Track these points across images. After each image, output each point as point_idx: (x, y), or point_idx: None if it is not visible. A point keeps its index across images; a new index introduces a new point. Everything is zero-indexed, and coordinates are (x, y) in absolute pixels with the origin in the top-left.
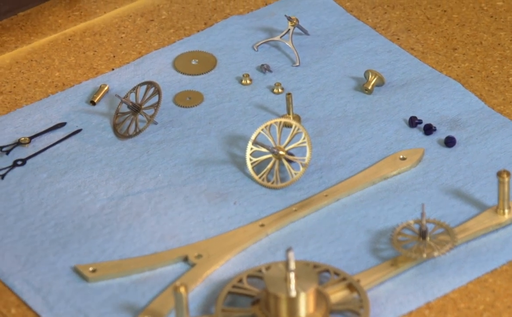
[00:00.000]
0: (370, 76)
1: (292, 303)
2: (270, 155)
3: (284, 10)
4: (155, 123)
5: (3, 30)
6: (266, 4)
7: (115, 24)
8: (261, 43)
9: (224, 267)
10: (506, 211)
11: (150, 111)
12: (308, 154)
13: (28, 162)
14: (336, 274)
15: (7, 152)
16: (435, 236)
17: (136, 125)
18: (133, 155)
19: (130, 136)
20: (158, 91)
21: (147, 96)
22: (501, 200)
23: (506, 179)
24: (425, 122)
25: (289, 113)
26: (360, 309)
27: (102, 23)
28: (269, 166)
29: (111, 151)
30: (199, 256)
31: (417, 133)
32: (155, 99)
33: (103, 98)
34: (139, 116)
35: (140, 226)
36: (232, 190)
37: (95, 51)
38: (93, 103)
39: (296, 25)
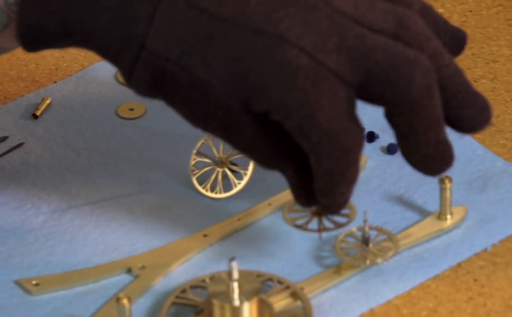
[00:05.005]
0: None
1: (236, 312)
2: (213, 165)
3: None
4: None
5: None
6: None
7: None
8: None
9: (168, 278)
10: (448, 216)
11: None
12: (251, 163)
13: None
14: (280, 282)
15: None
16: (378, 242)
17: None
18: (76, 167)
19: None
20: None
21: None
22: (443, 205)
23: (448, 185)
24: (367, 130)
25: None
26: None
27: None
28: (212, 176)
29: (54, 164)
30: (142, 267)
31: None
32: None
33: (46, 111)
34: None
35: (83, 239)
36: (176, 201)
37: (37, 64)
38: (35, 116)
39: None
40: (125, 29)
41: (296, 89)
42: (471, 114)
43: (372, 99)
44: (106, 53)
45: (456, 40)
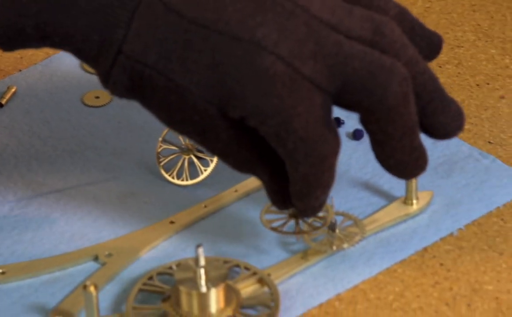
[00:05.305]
0: None
1: (203, 299)
2: (179, 153)
3: None
4: None
5: None
6: None
7: None
8: None
9: (135, 265)
10: (414, 201)
11: None
12: None
13: None
14: (247, 268)
15: None
16: (344, 228)
17: None
18: (42, 156)
19: None
20: None
21: None
22: (409, 190)
23: None
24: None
25: None
26: (270, 302)
27: None
28: (178, 163)
29: (19, 153)
30: (109, 255)
31: None
32: None
33: (11, 100)
34: None
35: (49, 227)
36: (142, 188)
37: (2, 52)
38: (0, 105)
39: None
40: (104, 33)
41: (272, 96)
42: (445, 122)
43: (348, 106)
44: (84, 56)
45: (432, 45)
